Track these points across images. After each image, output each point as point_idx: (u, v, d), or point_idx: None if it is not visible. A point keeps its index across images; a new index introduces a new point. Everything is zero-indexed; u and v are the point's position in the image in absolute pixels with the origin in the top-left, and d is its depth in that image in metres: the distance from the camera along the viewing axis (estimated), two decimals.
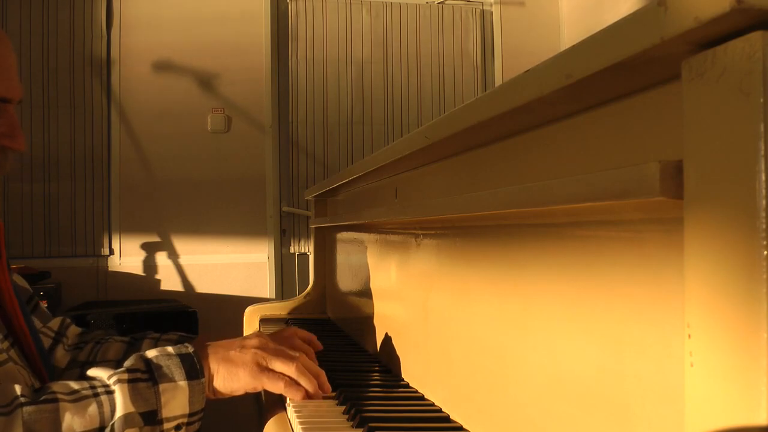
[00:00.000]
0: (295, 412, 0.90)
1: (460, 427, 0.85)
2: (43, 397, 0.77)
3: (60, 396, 0.78)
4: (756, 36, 0.34)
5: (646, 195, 0.42)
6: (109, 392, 0.80)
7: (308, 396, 0.94)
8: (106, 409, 0.79)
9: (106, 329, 1.20)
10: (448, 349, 0.92)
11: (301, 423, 0.86)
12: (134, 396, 0.80)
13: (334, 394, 0.99)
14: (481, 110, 0.65)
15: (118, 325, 2.43)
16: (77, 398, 0.78)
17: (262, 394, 1.09)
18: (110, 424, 0.78)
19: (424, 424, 0.87)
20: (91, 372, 0.85)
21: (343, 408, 0.92)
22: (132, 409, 0.80)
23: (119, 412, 0.79)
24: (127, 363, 0.85)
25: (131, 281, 3.02)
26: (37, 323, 1.09)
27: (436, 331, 0.96)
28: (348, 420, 0.87)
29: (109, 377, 0.82)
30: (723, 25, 0.35)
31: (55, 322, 1.13)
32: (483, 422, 0.79)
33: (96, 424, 0.78)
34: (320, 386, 0.97)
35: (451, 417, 0.89)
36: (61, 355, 1.10)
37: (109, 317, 2.45)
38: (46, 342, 1.09)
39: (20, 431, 0.73)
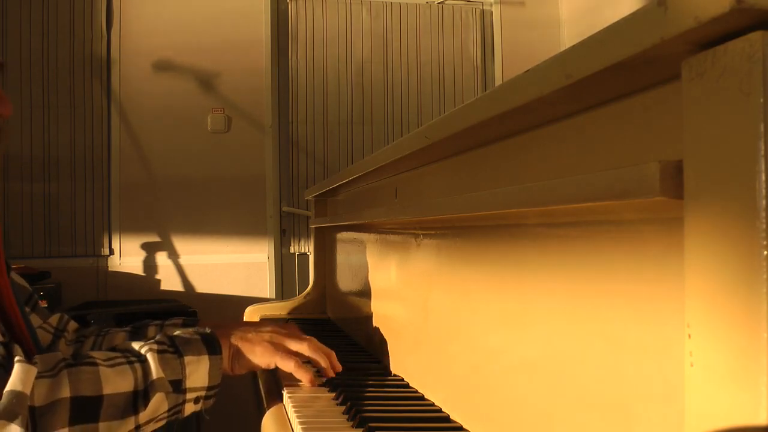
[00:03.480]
0: (295, 411, 0.90)
1: (460, 427, 0.85)
2: (84, 360, 0.83)
3: (99, 361, 0.84)
4: (756, 36, 0.34)
5: (646, 195, 0.42)
6: (142, 360, 0.87)
7: (313, 383, 1.01)
8: (139, 374, 0.85)
9: (104, 327, 1.22)
10: (448, 349, 0.92)
11: (300, 423, 0.86)
12: (163, 365, 0.87)
13: (333, 394, 0.99)
14: (481, 110, 0.65)
15: (118, 325, 2.42)
16: (113, 364, 0.85)
17: (261, 388, 1.10)
18: (144, 387, 0.85)
19: (424, 424, 0.87)
20: (121, 346, 0.92)
21: (343, 408, 0.92)
22: (162, 375, 0.86)
23: (151, 377, 0.85)
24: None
25: (131, 281, 3.01)
26: (37, 320, 1.11)
27: (436, 331, 0.96)
28: (348, 420, 0.87)
29: (140, 348, 0.88)
30: (723, 25, 0.35)
31: (54, 319, 1.16)
32: (483, 422, 0.79)
33: (131, 387, 0.84)
34: (332, 365, 1.05)
35: (451, 417, 0.89)
36: (65, 349, 1.13)
37: (109, 317, 2.45)
38: (47, 337, 1.11)
39: (67, 389, 0.79)
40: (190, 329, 0.95)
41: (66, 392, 0.78)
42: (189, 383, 0.88)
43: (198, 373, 0.89)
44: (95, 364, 0.83)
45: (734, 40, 0.35)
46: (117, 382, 0.83)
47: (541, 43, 3.41)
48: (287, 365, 0.99)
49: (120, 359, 0.86)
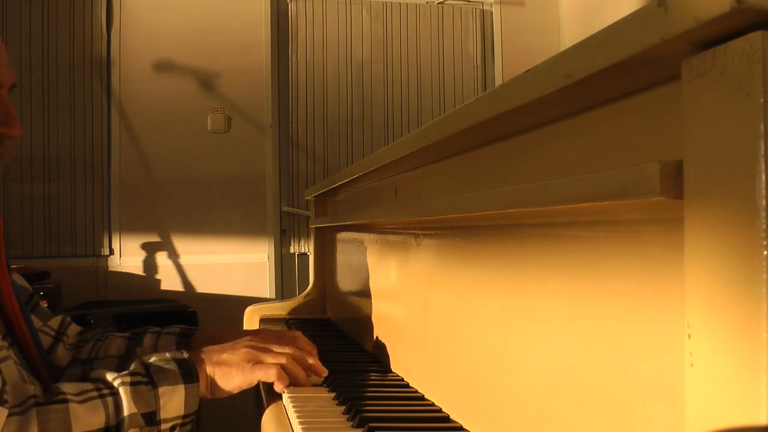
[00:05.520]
0: (295, 411, 0.90)
1: (460, 427, 0.85)
2: (54, 398, 0.81)
3: (69, 397, 0.81)
4: (756, 36, 0.34)
5: (646, 195, 0.42)
6: (114, 394, 0.84)
7: (298, 384, 1.00)
8: (111, 410, 0.83)
9: (105, 327, 1.22)
10: (448, 349, 0.92)
11: (300, 422, 0.86)
12: (136, 398, 0.84)
13: (333, 394, 0.99)
14: (481, 110, 0.65)
15: (118, 325, 2.43)
16: (85, 399, 0.82)
17: (261, 386, 1.10)
18: (115, 423, 0.83)
19: (424, 424, 0.87)
20: (95, 374, 0.89)
21: (343, 408, 0.92)
22: (135, 410, 0.84)
23: (124, 413, 0.83)
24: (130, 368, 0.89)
25: (131, 281, 3.01)
26: (38, 322, 1.10)
27: (436, 331, 0.96)
28: (348, 420, 0.87)
29: (113, 379, 0.86)
30: (723, 25, 0.35)
31: (55, 321, 1.14)
32: (483, 422, 0.79)
33: (102, 424, 0.82)
34: (316, 368, 1.04)
35: (451, 417, 0.89)
36: (62, 354, 1.12)
37: (109, 317, 2.45)
38: (47, 341, 1.10)
39: (35, 429, 0.77)
40: (168, 354, 0.92)
41: None
42: (164, 414, 0.86)
43: (173, 402, 0.87)
44: (65, 401, 0.81)
45: (734, 40, 0.35)
46: (87, 419, 0.80)
47: (541, 43, 3.41)
48: (268, 376, 0.96)
49: (92, 392, 0.83)
